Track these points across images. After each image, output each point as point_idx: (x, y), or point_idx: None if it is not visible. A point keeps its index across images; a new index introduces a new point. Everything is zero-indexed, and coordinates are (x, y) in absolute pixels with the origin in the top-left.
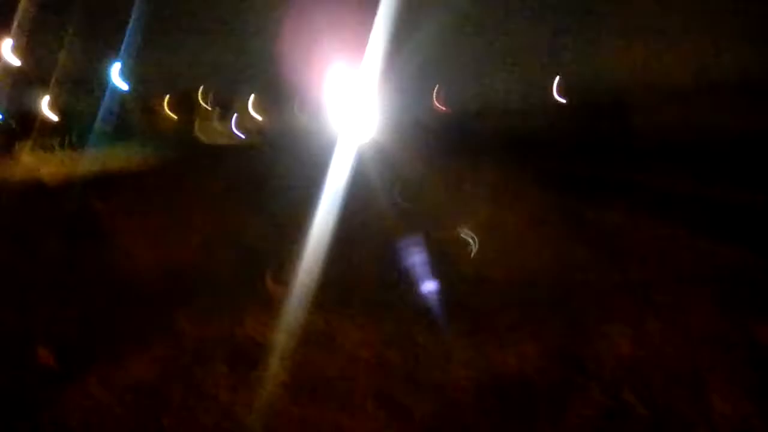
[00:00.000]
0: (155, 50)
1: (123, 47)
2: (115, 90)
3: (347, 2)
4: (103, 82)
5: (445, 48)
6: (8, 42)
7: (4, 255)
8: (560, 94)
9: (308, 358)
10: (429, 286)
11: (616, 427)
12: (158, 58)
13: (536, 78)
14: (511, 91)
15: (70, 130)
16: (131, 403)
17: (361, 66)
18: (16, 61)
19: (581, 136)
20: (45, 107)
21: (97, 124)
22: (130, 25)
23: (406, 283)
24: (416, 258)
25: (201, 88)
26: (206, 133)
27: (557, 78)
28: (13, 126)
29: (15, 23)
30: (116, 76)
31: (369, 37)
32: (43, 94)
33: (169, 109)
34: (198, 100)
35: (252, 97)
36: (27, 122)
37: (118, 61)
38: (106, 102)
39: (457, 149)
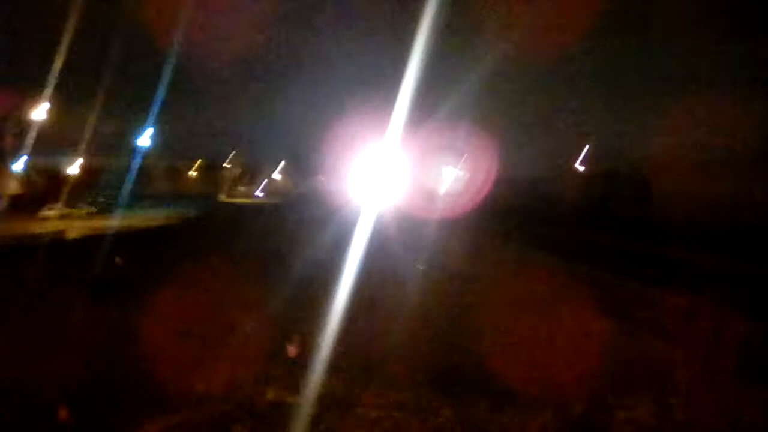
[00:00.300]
0: (180, 111)
1: (148, 108)
2: (138, 148)
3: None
4: (127, 140)
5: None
6: (40, 105)
7: (28, 310)
8: (583, 164)
9: (329, 424)
10: (449, 356)
11: None
12: (185, 123)
13: (560, 147)
14: (534, 160)
15: (92, 187)
16: None
17: (386, 136)
18: (41, 118)
19: (602, 205)
20: (68, 164)
21: (119, 182)
22: (157, 86)
23: (426, 349)
24: (436, 323)
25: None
26: (232, 195)
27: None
28: (37, 181)
29: (45, 88)
30: (144, 139)
31: (394, 107)
32: (67, 151)
33: (196, 173)
34: (224, 164)
35: (275, 161)
36: (50, 178)
37: (147, 125)
38: (128, 160)
39: (478, 216)
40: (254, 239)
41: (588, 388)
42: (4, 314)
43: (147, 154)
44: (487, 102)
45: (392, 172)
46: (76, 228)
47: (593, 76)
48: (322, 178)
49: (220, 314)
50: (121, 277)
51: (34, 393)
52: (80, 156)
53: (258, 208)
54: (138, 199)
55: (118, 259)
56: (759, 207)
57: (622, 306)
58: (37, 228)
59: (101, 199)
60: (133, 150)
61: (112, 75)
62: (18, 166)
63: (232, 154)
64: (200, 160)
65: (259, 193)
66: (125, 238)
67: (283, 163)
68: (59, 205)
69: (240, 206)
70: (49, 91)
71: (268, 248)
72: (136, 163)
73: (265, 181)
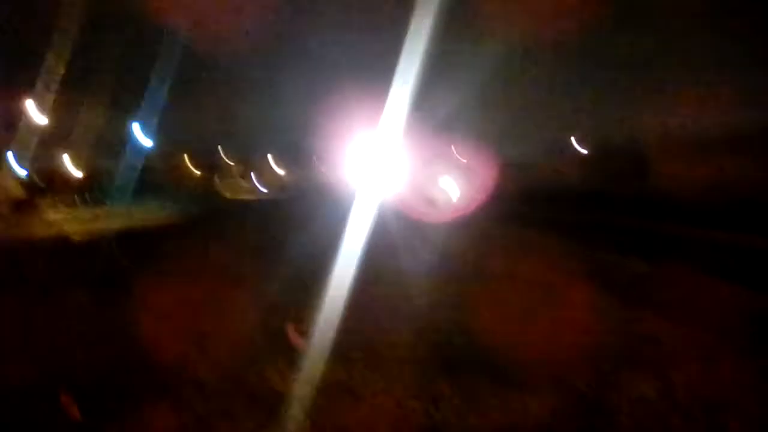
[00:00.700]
0: (178, 108)
1: (146, 105)
2: (138, 147)
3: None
4: (126, 139)
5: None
6: (33, 100)
7: (28, 309)
8: (582, 146)
9: (330, 409)
10: (450, 334)
11: None
12: (181, 116)
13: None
14: (534, 144)
15: (94, 187)
16: None
17: (383, 123)
18: (41, 119)
19: (604, 186)
20: (69, 164)
21: (120, 181)
22: (154, 83)
23: (427, 332)
24: (437, 306)
25: (224, 145)
26: (229, 188)
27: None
28: (38, 182)
29: (40, 81)
30: (139, 134)
31: (391, 95)
32: (68, 151)
33: (192, 166)
34: (221, 157)
35: (273, 154)
36: (51, 179)
37: (142, 118)
38: (128, 159)
39: (478, 202)
40: (261, 236)
41: (590, 365)
42: (8, 312)
43: (148, 151)
44: (486, 86)
45: (394, 162)
46: (78, 227)
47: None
48: (325, 169)
49: (225, 309)
50: (126, 275)
51: (37, 384)
52: (81, 155)
53: (262, 204)
54: (140, 197)
55: (122, 258)
56: (757, 184)
57: (620, 282)
58: (38, 228)
59: (103, 198)
60: (136, 148)
61: (113, 72)
62: (21, 171)
63: (234, 150)
64: (202, 156)
65: (263, 188)
66: (128, 236)
67: (285, 156)
68: (60, 204)
69: (244, 202)
70: (49, 90)
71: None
72: (138, 161)
73: (268, 175)
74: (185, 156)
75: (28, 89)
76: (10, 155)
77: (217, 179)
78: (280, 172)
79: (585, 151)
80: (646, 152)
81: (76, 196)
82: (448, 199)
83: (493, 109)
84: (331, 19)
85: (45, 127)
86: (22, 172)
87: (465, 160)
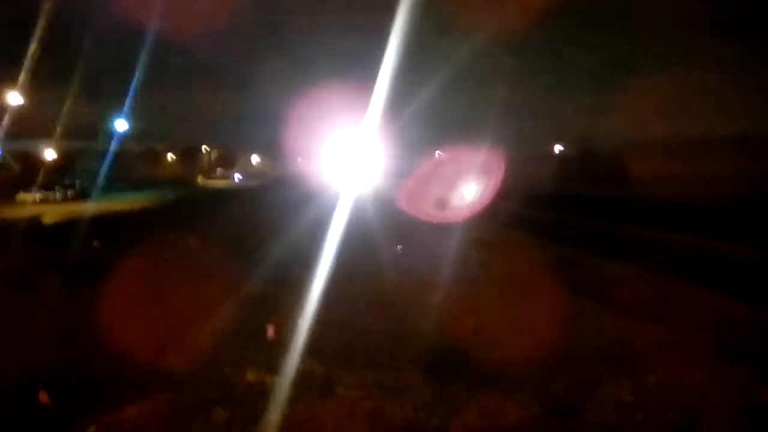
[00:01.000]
0: (161, 100)
1: (127, 97)
2: (114, 133)
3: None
4: (107, 129)
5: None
6: (14, 90)
7: (4, 296)
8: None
9: (308, 407)
10: (429, 335)
11: None
12: (163, 107)
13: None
14: (515, 144)
15: (68, 172)
16: None
17: (363, 120)
18: (21, 108)
19: (584, 188)
20: (48, 154)
21: (101, 170)
22: (135, 76)
23: (406, 331)
24: (416, 306)
25: (201, 133)
26: (210, 179)
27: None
28: (17, 171)
29: (21, 72)
30: (121, 124)
31: (372, 92)
32: (47, 141)
33: (173, 157)
34: (197, 145)
35: (250, 144)
36: (30, 167)
37: (122, 110)
38: (104, 144)
39: (459, 200)
40: (232, 222)
41: (566, 367)
42: None
43: (124, 138)
44: (467, 87)
45: (370, 156)
46: (53, 213)
47: (574, 60)
48: (300, 161)
49: (198, 297)
50: (98, 260)
51: (9, 378)
52: (56, 140)
53: (236, 192)
54: (115, 183)
55: (95, 243)
56: (734, 187)
57: (597, 284)
58: (12, 213)
59: (78, 184)
60: (110, 134)
61: (88, 58)
62: None
63: (209, 138)
64: (178, 144)
65: (237, 176)
66: (102, 222)
67: (261, 146)
68: (35, 190)
69: (219, 190)
70: (24, 75)
71: (246, 231)
72: (114, 147)
73: (244, 164)
74: (161, 143)
75: (3, 73)
76: None
77: (192, 166)
78: (256, 160)
79: (564, 152)
80: (624, 155)
81: (50, 180)
82: (439, 199)
83: (475, 110)
84: (315, 16)
85: (20, 110)
86: None
87: (449, 163)
